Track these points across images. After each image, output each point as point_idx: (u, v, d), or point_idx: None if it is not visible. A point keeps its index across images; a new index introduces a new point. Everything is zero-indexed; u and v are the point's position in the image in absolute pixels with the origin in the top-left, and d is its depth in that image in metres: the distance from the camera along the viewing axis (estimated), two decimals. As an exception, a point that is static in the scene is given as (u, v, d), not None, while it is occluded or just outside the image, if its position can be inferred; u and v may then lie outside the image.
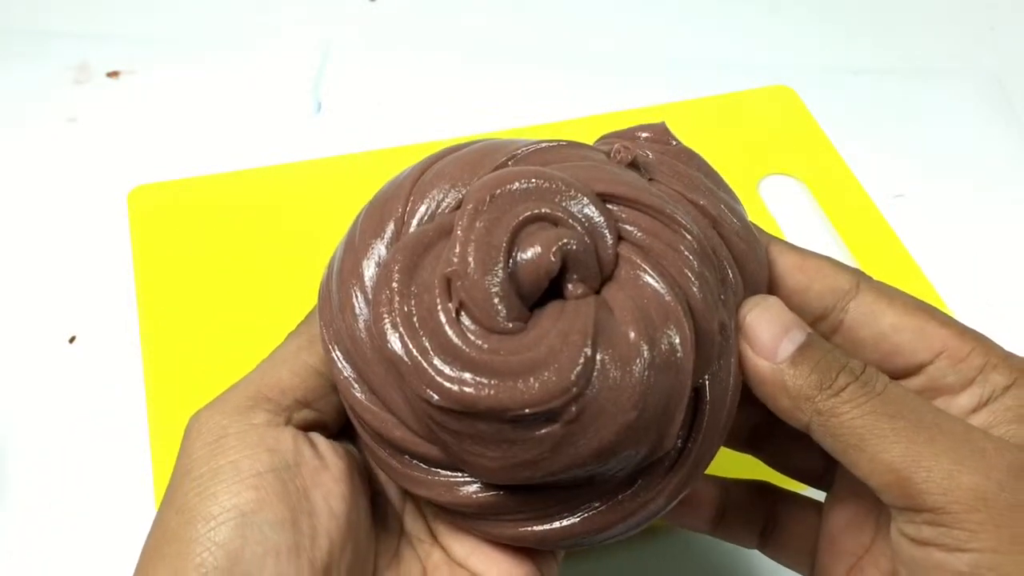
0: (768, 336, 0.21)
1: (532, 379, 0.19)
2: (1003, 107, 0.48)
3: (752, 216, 0.41)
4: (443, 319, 0.19)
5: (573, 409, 0.19)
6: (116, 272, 0.37)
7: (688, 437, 0.21)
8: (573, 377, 0.19)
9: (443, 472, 0.21)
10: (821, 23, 0.53)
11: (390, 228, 0.22)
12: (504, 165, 0.22)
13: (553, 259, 0.20)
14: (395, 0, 0.52)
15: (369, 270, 0.22)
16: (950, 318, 0.22)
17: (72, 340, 0.35)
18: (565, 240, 0.20)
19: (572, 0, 0.53)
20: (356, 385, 0.22)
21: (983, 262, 0.41)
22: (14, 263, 0.38)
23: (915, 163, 0.45)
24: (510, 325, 0.20)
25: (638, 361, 0.19)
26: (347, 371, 0.22)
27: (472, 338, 0.19)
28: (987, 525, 0.18)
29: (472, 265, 0.19)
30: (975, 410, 0.21)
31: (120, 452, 0.32)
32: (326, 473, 0.21)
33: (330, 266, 0.24)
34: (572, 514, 0.21)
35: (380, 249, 0.22)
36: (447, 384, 0.19)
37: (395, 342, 0.20)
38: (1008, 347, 0.37)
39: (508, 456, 0.19)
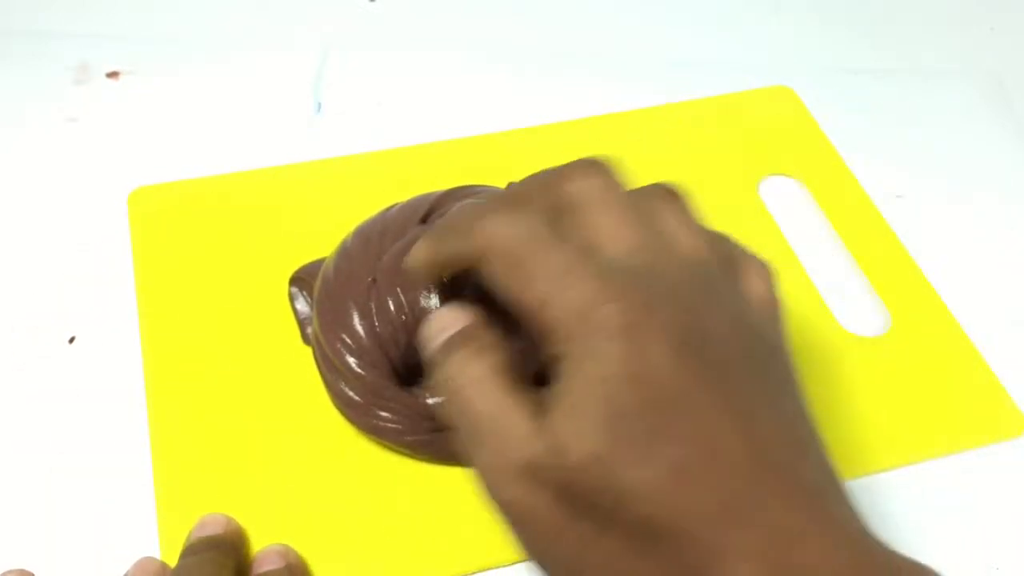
0: None
1: None
2: (1003, 107, 0.48)
3: (752, 217, 0.42)
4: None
5: None
6: (116, 273, 0.37)
7: None
8: None
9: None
10: (821, 23, 0.53)
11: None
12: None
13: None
14: (395, 0, 0.52)
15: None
16: None
17: (72, 340, 0.36)
18: None
19: (572, 0, 0.53)
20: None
21: (983, 262, 0.41)
22: (14, 263, 0.38)
23: (915, 163, 0.45)
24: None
25: None
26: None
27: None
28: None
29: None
30: None
31: (120, 452, 0.32)
32: None
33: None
34: None
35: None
36: None
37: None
38: (1010, 350, 0.37)
39: None
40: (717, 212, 0.42)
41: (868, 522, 0.22)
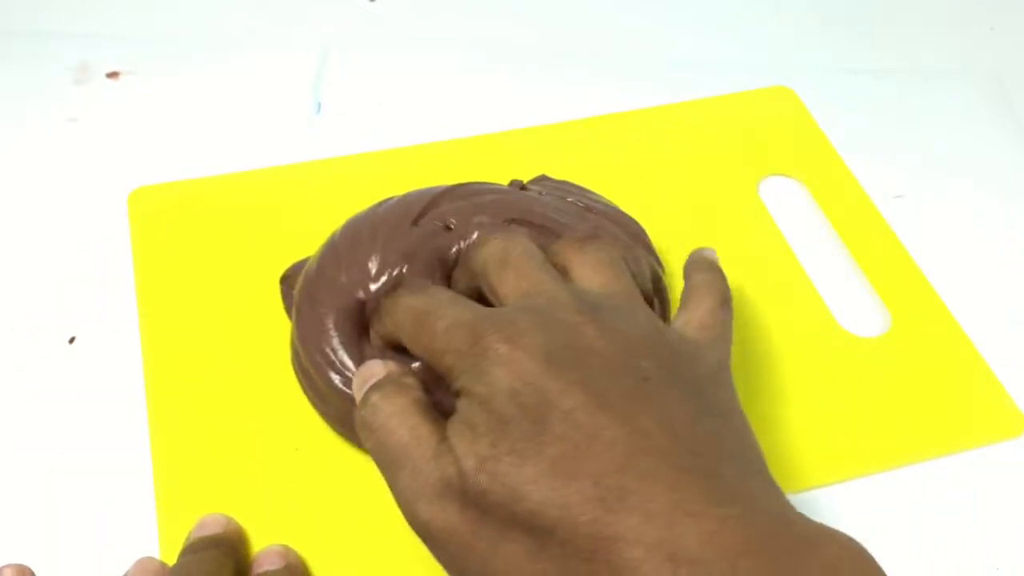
0: None
1: None
2: (1003, 107, 0.48)
3: (752, 218, 0.42)
4: None
5: None
6: (116, 273, 0.37)
7: None
8: None
9: None
10: (821, 23, 0.53)
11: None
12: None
13: None
14: (395, 0, 0.52)
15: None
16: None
17: (72, 340, 0.36)
18: None
19: (572, 0, 0.53)
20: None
21: (983, 263, 0.41)
22: (14, 263, 0.38)
23: (915, 163, 0.45)
24: None
25: None
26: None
27: None
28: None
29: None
30: None
31: (120, 452, 0.32)
32: None
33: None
34: None
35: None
36: None
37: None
38: (1010, 350, 0.37)
39: None
40: (717, 212, 0.42)
41: (786, 502, 0.23)
